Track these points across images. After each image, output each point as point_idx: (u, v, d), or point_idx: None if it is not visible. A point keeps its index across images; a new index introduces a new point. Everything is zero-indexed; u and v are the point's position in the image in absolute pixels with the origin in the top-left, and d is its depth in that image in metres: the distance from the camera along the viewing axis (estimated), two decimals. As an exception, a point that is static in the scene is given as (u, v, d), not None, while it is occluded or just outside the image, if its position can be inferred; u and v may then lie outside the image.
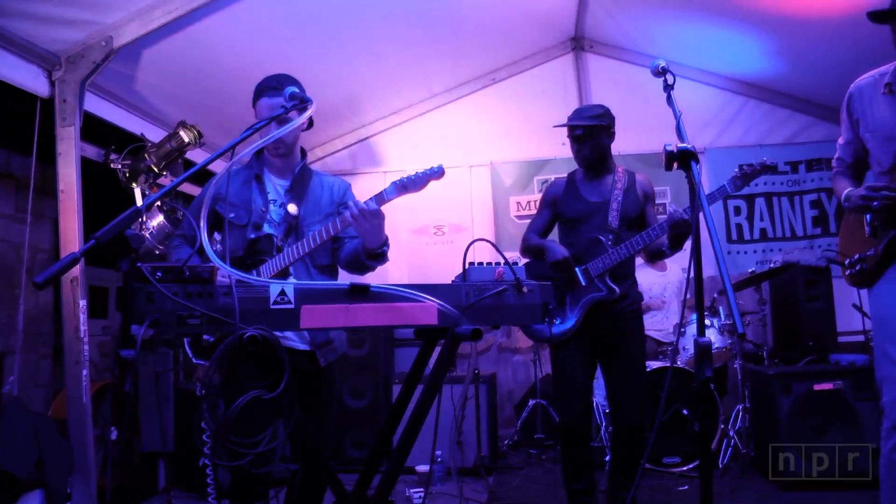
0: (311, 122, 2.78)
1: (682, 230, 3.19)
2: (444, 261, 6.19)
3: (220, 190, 2.75)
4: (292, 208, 2.85)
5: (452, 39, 5.55)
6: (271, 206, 2.89)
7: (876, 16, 2.61)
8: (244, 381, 1.94)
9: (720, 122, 6.35)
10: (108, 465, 3.61)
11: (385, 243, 2.72)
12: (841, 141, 2.97)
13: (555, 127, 3.61)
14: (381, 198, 2.61)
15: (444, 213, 6.48)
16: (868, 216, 2.75)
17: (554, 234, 3.72)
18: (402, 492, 4.43)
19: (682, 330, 5.10)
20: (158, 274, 1.89)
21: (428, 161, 6.44)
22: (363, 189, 6.49)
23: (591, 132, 3.48)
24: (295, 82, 2.72)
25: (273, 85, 2.84)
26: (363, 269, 2.85)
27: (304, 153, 3.04)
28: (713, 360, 5.02)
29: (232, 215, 2.82)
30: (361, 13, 4.63)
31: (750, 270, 5.41)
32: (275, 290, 1.93)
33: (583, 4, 5.71)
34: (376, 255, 2.72)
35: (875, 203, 2.61)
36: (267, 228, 2.84)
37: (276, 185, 2.94)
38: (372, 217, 2.55)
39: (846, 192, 2.81)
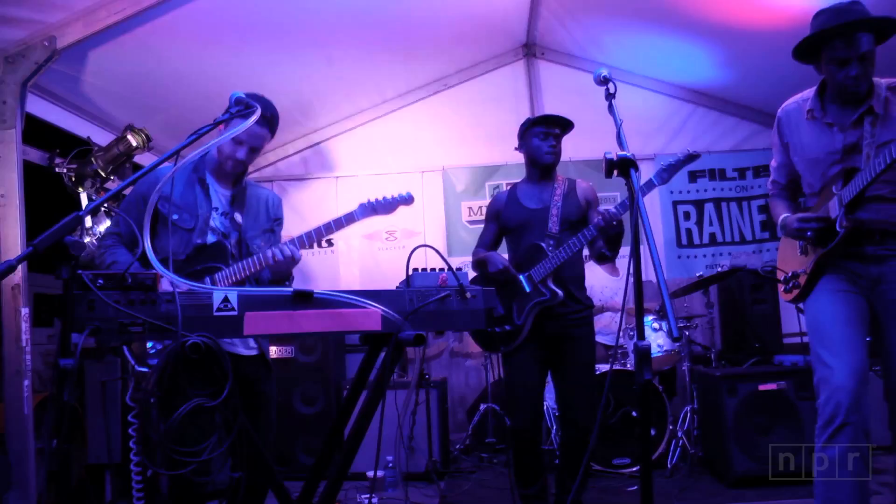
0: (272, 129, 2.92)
1: (612, 231, 3.26)
2: (395, 266, 6.16)
3: (164, 189, 2.74)
4: (238, 216, 2.90)
5: (405, 45, 5.55)
6: (213, 213, 2.88)
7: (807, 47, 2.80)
8: (186, 389, 1.92)
9: (670, 128, 6.46)
10: (45, 478, 3.52)
11: (288, 278, 2.90)
12: (774, 164, 3.15)
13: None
14: (350, 218, 2.76)
15: (395, 218, 6.31)
16: None
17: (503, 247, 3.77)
18: (353, 497, 4.42)
19: (631, 333, 5.18)
20: (100, 281, 1.87)
21: (380, 166, 6.49)
22: (316, 194, 6.52)
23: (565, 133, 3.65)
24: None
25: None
26: None
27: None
28: (663, 363, 5.17)
29: (175, 217, 2.79)
30: (313, 17, 4.61)
31: (698, 274, 5.51)
32: (218, 296, 1.91)
33: (534, 12, 5.76)
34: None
35: (809, 234, 2.81)
36: (211, 236, 2.83)
37: (219, 193, 2.94)
38: (290, 263, 2.75)
39: (782, 218, 2.98)
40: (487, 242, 3.74)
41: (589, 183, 3.71)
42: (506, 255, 3.65)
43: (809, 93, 2.90)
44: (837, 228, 2.69)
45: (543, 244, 3.46)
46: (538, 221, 3.53)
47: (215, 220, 2.87)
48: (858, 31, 2.62)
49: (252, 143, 2.85)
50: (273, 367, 2.98)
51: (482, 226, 3.88)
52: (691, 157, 3.34)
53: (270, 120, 2.86)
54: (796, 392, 4.32)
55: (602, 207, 3.34)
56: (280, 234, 3.15)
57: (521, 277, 3.46)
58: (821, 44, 2.72)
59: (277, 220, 3.13)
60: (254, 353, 2.88)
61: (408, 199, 2.86)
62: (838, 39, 2.64)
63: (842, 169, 2.75)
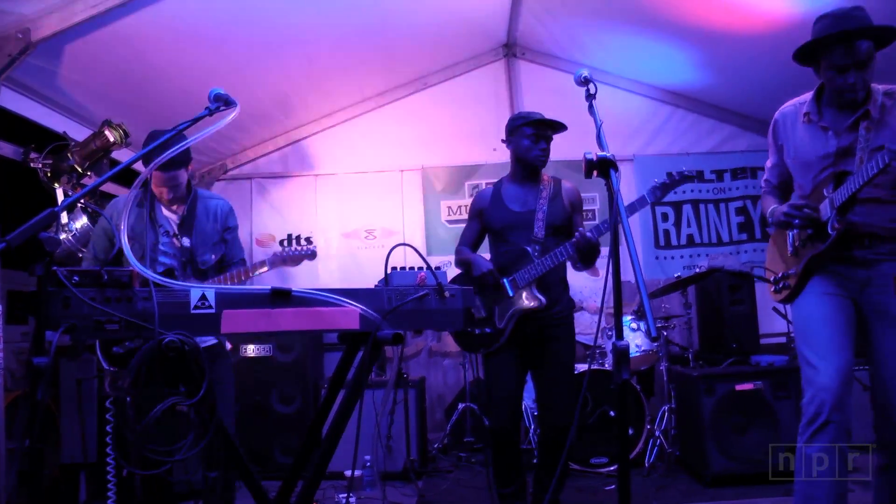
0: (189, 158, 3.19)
1: (587, 250, 3.27)
2: (374, 265, 6.15)
3: (117, 220, 3.02)
4: (186, 241, 3.10)
5: (385, 43, 5.53)
6: (163, 238, 3.05)
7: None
8: (162, 388, 1.91)
9: (648, 130, 6.50)
10: (17, 479, 3.47)
11: None
12: (768, 164, 3.16)
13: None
14: (262, 264, 3.18)
15: (375, 217, 6.47)
16: (791, 237, 2.95)
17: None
18: (331, 497, 4.40)
19: (610, 333, 5.20)
20: (75, 278, 1.84)
21: (359, 164, 6.46)
22: (296, 192, 6.50)
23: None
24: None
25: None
26: None
27: (189, 184, 3.26)
28: (641, 363, 5.20)
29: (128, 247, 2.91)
30: (293, 14, 4.58)
31: (676, 275, 5.55)
32: (195, 294, 1.89)
33: (515, 12, 5.77)
34: None
35: (796, 221, 2.81)
36: (162, 260, 3.01)
37: (167, 217, 3.12)
38: None
39: (771, 208, 3.01)
40: (470, 240, 3.72)
41: (573, 185, 3.66)
42: (487, 255, 3.64)
43: (807, 96, 2.92)
44: (829, 231, 2.71)
45: (529, 249, 3.43)
46: (523, 225, 3.49)
47: (165, 245, 3.05)
48: (859, 38, 2.61)
49: (168, 184, 3.06)
50: (227, 353, 3.19)
51: (461, 225, 3.86)
52: (686, 178, 3.34)
53: (174, 162, 2.96)
54: (773, 392, 4.37)
55: (582, 228, 3.32)
56: (234, 239, 3.36)
57: (504, 281, 3.45)
58: (821, 49, 2.71)
59: (228, 230, 3.30)
60: (209, 343, 3.04)
61: (311, 256, 3.45)
62: (838, 46, 2.64)
63: (832, 172, 2.76)
